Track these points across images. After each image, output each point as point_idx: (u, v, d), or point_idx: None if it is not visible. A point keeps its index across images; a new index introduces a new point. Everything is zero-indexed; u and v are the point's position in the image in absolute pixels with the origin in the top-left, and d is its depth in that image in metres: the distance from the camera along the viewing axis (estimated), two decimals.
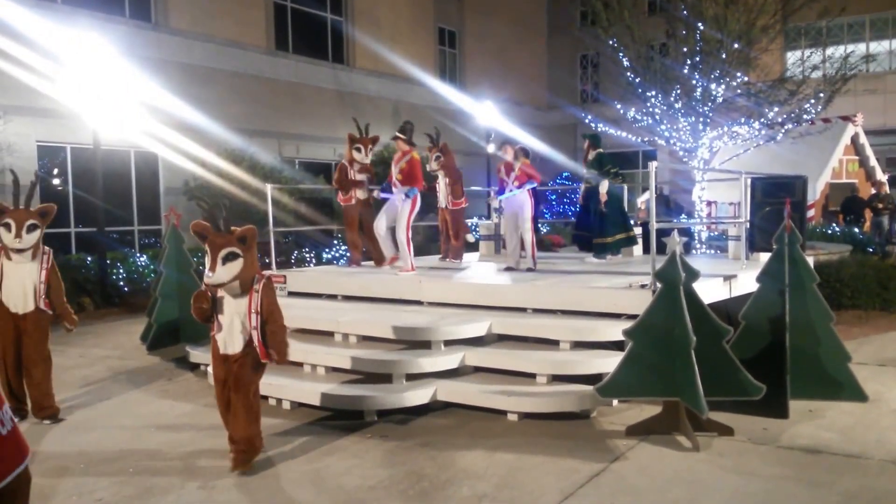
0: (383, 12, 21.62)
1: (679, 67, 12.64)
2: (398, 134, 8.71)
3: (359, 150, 9.04)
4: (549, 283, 7.18)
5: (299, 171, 16.58)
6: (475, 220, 17.17)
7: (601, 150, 9.48)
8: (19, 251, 5.66)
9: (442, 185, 9.61)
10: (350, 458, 4.86)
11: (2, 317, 5.72)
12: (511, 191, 8.30)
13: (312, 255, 14.37)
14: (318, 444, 5.16)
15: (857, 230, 15.05)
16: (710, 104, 12.56)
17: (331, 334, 6.71)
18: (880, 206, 16.76)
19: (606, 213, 9.30)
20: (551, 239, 14.85)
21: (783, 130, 13.09)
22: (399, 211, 8.47)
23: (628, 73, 13.10)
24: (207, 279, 4.48)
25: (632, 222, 10.14)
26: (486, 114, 20.26)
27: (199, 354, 7.30)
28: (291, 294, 8.14)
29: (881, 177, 19.57)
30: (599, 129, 14.26)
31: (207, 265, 4.45)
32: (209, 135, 15.02)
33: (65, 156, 14.18)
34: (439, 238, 10.40)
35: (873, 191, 17.91)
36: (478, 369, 6.09)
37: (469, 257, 10.75)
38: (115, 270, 12.22)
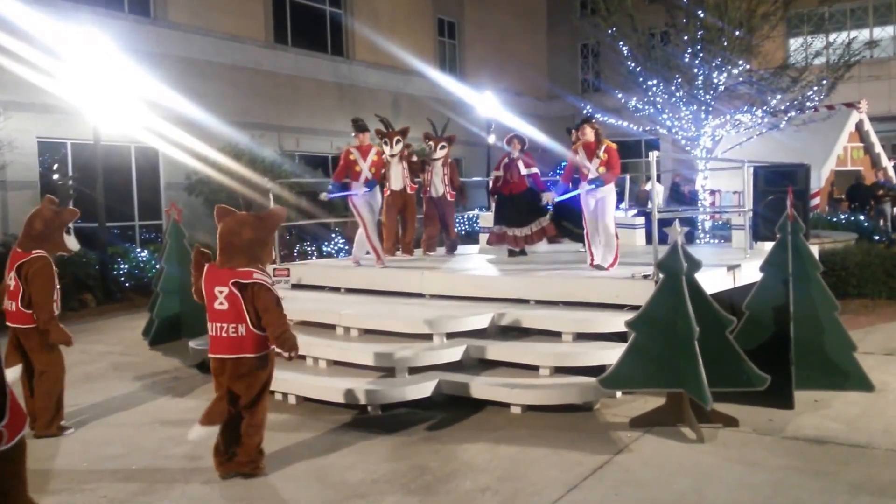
0: (382, 3, 21.52)
1: (680, 56, 12.53)
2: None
3: (386, 143, 8.97)
4: (551, 275, 7.14)
5: (299, 165, 16.54)
6: (476, 211, 17.13)
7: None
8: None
9: (440, 174, 9.42)
10: (353, 453, 4.85)
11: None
12: (593, 183, 7.04)
13: (314, 248, 14.37)
14: (320, 438, 5.15)
15: (862, 218, 14.98)
16: (711, 92, 12.45)
17: (333, 327, 6.70)
18: (881, 193, 16.68)
19: None
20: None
21: (786, 118, 12.98)
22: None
23: (629, 62, 13.00)
24: None
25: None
26: (486, 104, 20.18)
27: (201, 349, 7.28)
28: (295, 287, 8.12)
29: (886, 164, 19.47)
30: (599, 119, 14.19)
31: None
32: (209, 129, 14.97)
33: (65, 151, 14.15)
34: (424, 229, 9.64)
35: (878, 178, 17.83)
36: (480, 362, 6.06)
37: (469, 250, 10.70)
38: (116, 266, 12.19)
